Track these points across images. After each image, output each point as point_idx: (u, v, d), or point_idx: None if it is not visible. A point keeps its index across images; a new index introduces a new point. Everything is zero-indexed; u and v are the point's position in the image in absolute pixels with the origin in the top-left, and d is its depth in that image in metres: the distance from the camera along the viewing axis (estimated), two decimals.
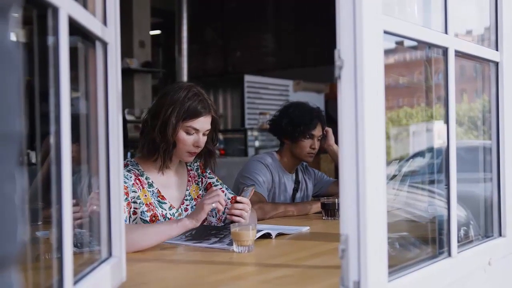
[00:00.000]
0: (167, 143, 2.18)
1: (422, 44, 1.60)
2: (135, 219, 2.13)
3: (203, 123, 2.21)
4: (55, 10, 1.00)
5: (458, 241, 1.55)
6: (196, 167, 2.42)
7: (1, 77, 0.56)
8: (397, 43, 1.49)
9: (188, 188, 2.35)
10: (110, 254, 1.37)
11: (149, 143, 2.20)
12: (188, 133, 2.20)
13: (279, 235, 2.17)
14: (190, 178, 2.38)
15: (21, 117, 0.60)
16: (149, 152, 2.21)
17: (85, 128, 1.37)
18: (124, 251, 1.41)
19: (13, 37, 0.59)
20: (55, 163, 1.01)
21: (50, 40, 1.03)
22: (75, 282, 1.10)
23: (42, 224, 1.36)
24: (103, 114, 1.36)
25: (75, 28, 1.12)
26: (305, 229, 2.34)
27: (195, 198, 2.35)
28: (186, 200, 2.33)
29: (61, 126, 1.01)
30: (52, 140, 1.02)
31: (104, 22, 1.35)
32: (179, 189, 2.32)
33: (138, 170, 2.21)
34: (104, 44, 1.35)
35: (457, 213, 1.57)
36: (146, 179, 2.22)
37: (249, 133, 7.44)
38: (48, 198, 1.08)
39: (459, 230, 1.64)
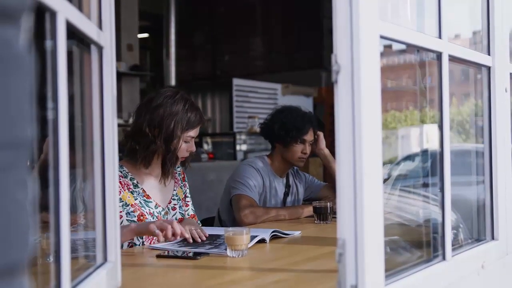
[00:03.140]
0: (173, 155, 2.26)
1: (410, 48, 1.61)
2: (121, 223, 2.15)
3: (198, 130, 2.35)
4: (53, 14, 0.99)
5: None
6: (178, 172, 2.51)
7: (14, 83, 0.55)
8: (385, 46, 1.49)
9: (175, 188, 2.43)
10: (105, 259, 1.36)
11: (151, 154, 2.26)
12: (186, 141, 2.30)
13: (273, 238, 2.17)
14: (176, 180, 2.46)
15: (32, 123, 0.60)
16: (147, 160, 2.24)
17: (80, 132, 1.36)
18: (120, 257, 1.40)
19: (24, 42, 0.59)
20: (53, 168, 1.00)
21: (48, 43, 1.02)
22: None
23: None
24: (98, 118, 1.35)
25: (71, 32, 1.12)
26: (297, 233, 2.34)
27: (182, 199, 2.45)
28: (174, 199, 2.41)
29: (59, 130, 1.00)
30: (49, 144, 1.01)
31: (100, 26, 1.34)
32: (166, 189, 2.39)
33: (121, 172, 2.23)
34: (100, 48, 1.34)
35: None
36: (130, 180, 2.28)
37: (237, 136, 7.43)
38: (40, 203, 1.07)
39: None
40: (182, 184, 2.49)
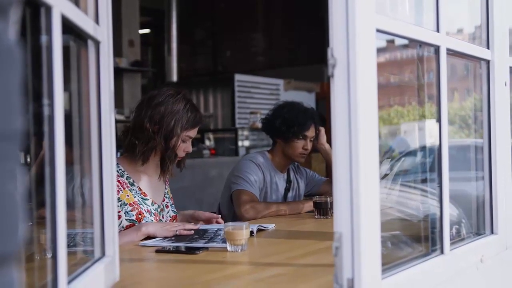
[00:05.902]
0: (172, 152, 2.29)
1: (413, 43, 1.61)
2: (120, 223, 2.18)
3: (196, 131, 2.38)
4: (48, 8, 0.99)
5: (450, 239, 1.56)
6: None
7: (2, 76, 0.56)
8: (388, 41, 1.49)
9: (166, 187, 2.48)
10: (103, 253, 1.36)
11: (150, 150, 2.28)
12: (183, 141, 2.33)
13: (259, 231, 2.23)
14: (166, 179, 2.50)
15: (21, 115, 0.60)
16: (146, 156, 2.25)
17: (77, 128, 1.36)
18: (118, 251, 1.41)
19: (13, 36, 0.59)
20: (49, 164, 1.00)
21: (43, 38, 1.02)
22: (69, 282, 1.09)
23: (33, 225, 1.35)
24: (96, 113, 1.36)
25: (67, 27, 1.12)
26: (271, 226, 2.38)
27: (171, 197, 2.50)
28: (166, 197, 2.46)
29: (54, 126, 1.00)
30: (45, 140, 1.01)
31: (97, 21, 1.35)
32: (159, 187, 2.43)
33: (117, 171, 2.25)
34: (97, 43, 1.34)
35: (449, 212, 1.57)
36: (126, 179, 2.30)
37: (239, 132, 7.42)
38: (40, 199, 1.08)
39: (451, 228, 1.65)
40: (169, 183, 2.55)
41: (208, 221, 2.43)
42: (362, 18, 1.17)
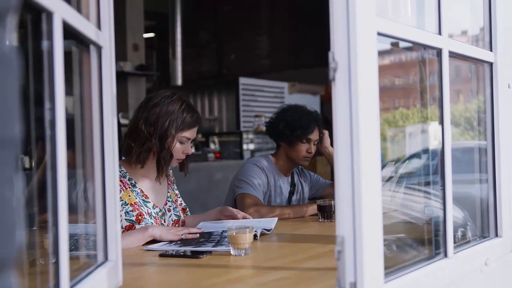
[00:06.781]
0: (167, 153, 2.28)
1: (417, 45, 1.61)
2: (120, 222, 2.18)
3: (195, 132, 2.37)
4: (50, 14, 1.00)
5: (455, 242, 1.56)
6: (171, 174, 2.56)
7: (0, 82, 0.56)
8: (392, 44, 1.49)
9: (169, 190, 2.48)
10: (106, 258, 1.36)
11: (145, 152, 2.28)
12: (181, 142, 2.32)
13: (262, 235, 2.22)
14: (169, 182, 2.50)
15: (19, 121, 0.60)
16: (143, 159, 2.26)
17: (80, 132, 1.36)
18: (120, 255, 1.41)
19: (10, 42, 0.59)
20: (51, 168, 1.01)
21: (44, 44, 1.03)
22: (71, 286, 1.09)
23: (37, 230, 1.36)
24: (98, 118, 1.36)
25: (69, 32, 1.12)
26: (274, 221, 2.41)
27: (174, 201, 2.49)
28: (169, 201, 2.45)
29: (56, 131, 1.01)
30: (47, 145, 1.02)
31: (98, 26, 1.35)
32: (161, 191, 2.43)
33: (120, 172, 2.26)
34: (99, 48, 1.35)
35: (454, 215, 1.57)
36: (129, 180, 2.31)
37: (244, 135, 7.42)
38: (43, 203, 1.08)
39: (456, 231, 1.65)
40: (173, 187, 2.54)
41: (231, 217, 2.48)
42: (363, 21, 1.17)
